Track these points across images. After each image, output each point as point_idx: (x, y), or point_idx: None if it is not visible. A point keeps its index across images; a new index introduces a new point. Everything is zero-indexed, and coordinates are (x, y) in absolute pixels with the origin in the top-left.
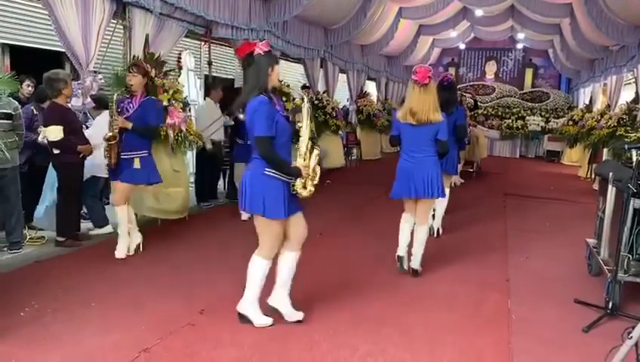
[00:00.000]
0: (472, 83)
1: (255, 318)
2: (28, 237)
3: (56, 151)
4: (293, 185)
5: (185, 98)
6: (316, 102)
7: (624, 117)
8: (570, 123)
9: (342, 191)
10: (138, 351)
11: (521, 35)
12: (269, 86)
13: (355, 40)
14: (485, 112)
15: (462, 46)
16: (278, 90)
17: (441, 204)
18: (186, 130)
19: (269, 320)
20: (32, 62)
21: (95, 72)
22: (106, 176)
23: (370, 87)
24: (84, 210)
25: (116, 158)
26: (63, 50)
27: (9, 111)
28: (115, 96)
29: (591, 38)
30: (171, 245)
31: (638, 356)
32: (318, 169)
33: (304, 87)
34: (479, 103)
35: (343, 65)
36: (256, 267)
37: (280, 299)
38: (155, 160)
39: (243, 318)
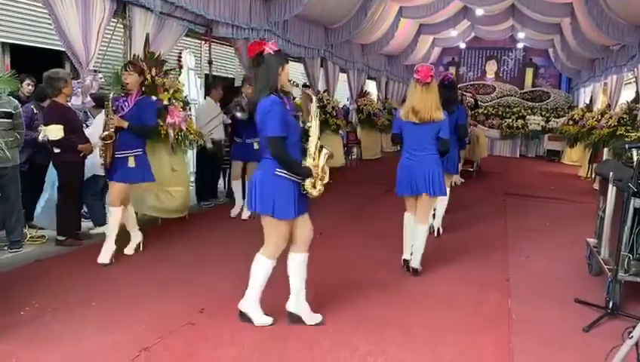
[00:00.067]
0: (472, 82)
1: (255, 317)
2: (28, 236)
3: (56, 150)
4: (303, 185)
5: (185, 97)
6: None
7: (624, 116)
8: (571, 122)
9: (342, 191)
10: (138, 350)
11: (521, 35)
12: (279, 85)
13: (355, 39)
14: (485, 112)
15: (462, 45)
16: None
17: (441, 203)
18: (187, 129)
19: (269, 320)
20: (32, 61)
21: (95, 71)
22: None
23: (371, 87)
24: (85, 209)
25: (112, 158)
26: (63, 49)
27: (9, 110)
28: (110, 95)
29: (591, 38)
30: (171, 244)
31: (639, 356)
32: (327, 168)
33: (304, 85)
34: (479, 103)
35: (343, 64)
36: (260, 266)
37: (298, 304)
38: (150, 158)
39: (243, 316)
